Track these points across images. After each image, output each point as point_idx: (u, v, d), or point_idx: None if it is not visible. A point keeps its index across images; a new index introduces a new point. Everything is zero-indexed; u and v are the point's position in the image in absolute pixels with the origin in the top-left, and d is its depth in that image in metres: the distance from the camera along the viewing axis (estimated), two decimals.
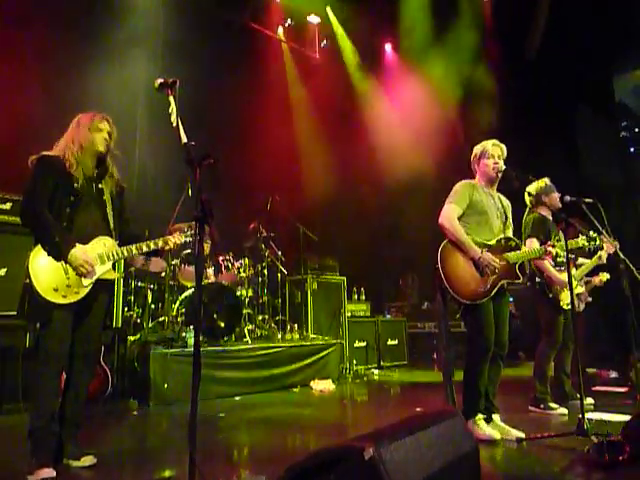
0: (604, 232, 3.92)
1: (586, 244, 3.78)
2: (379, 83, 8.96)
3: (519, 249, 3.36)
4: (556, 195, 4.26)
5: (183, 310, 5.37)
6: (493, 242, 3.31)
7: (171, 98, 2.13)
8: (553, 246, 3.46)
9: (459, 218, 3.31)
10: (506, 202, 3.53)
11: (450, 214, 3.27)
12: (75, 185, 2.75)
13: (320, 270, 7.22)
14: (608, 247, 4.34)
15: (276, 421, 3.94)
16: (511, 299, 6.83)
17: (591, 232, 3.79)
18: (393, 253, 8.76)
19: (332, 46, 9.14)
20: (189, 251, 5.66)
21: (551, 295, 4.18)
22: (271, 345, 5.75)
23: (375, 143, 8.54)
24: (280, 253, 6.76)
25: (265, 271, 6.53)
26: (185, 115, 2.10)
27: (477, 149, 3.50)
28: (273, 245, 6.73)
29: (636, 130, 7.81)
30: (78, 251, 2.68)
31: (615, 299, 5.72)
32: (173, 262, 5.64)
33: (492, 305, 3.23)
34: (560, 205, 4.13)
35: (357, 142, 8.36)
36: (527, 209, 4.38)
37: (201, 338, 5.20)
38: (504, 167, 3.36)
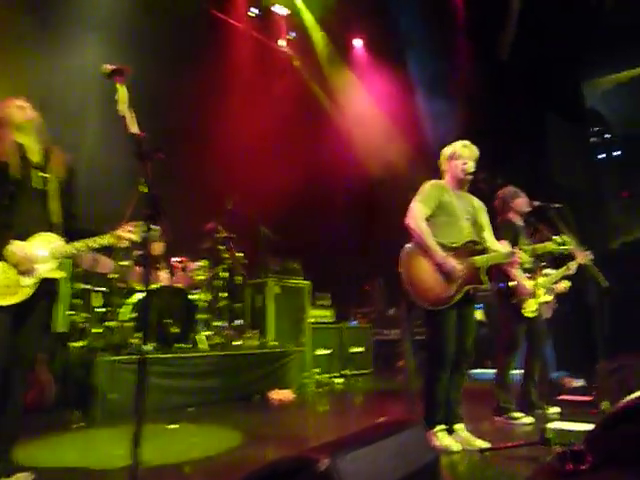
0: (572, 241, 4.01)
1: (556, 248, 3.86)
2: (350, 77, 9.06)
3: (485, 252, 3.40)
4: (522, 200, 4.34)
5: (133, 315, 5.26)
6: (459, 245, 3.36)
7: (120, 86, 2.10)
8: (520, 249, 3.56)
9: (427, 219, 3.34)
10: (478, 204, 3.57)
11: (417, 214, 3.30)
12: (11, 173, 2.63)
13: (283, 273, 7.19)
14: (580, 257, 4.44)
15: (232, 432, 3.91)
16: (480, 306, 6.88)
17: (562, 236, 3.88)
18: (361, 256, 8.64)
19: (301, 38, 9.15)
20: (141, 252, 5.55)
21: (514, 301, 4.25)
22: (228, 352, 5.70)
23: (345, 140, 8.56)
24: (240, 255, 6.69)
25: (224, 274, 6.43)
26: (139, 106, 2.07)
27: (447, 150, 3.55)
28: (233, 246, 6.65)
29: (606, 136, 8.12)
30: (16, 247, 2.58)
31: (581, 307, 6.18)
32: (123, 263, 5.52)
33: (456, 312, 3.26)
34: (527, 209, 4.21)
35: (326, 138, 8.36)
36: (499, 213, 4.48)
37: (153, 345, 5.10)
38: (473, 169, 3.42)
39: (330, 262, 8.43)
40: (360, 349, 7.81)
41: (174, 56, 6.79)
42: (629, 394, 2.16)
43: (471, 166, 3.42)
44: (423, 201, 3.35)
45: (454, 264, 3.23)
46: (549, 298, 4.61)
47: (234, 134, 7.35)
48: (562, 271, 4.55)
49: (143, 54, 5.69)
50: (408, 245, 3.30)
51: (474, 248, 3.37)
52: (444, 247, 3.29)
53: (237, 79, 7.83)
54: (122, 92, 2.08)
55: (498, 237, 4.02)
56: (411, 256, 3.28)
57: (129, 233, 2.73)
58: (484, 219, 3.56)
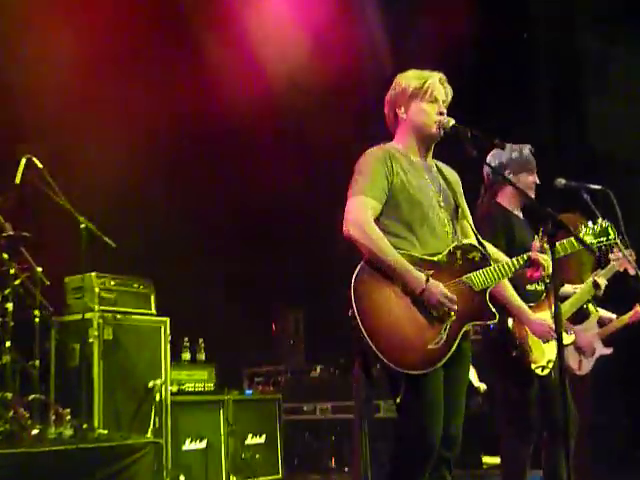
0: (618, 241, 3.97)
1: (594, 242, 3.84)
2: None
3: (488, 263, 3.37)
4: (532, 178, 4.37)
5: None
6: (441, 257, 3.29)
7: None
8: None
9: (377, 219, 3.28)
10: (452, 176, 3.56)
11: (360, 215, 3.23)
12: None
13: (119, 303, 6.39)
14: (622, 263, 4.51)
15: None
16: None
17: (601, 224, 3.88)
18: (260, 275, 8.27)
19: None
20: None
21: (515, 353, 4.13)
22: (19, 451, 4.89)
23: (217, 84, 7.99)
24: (39, 270, 5.85)
25: (9, 305, 5.51)
26: None
27: (404, 82, 3.44)
28: (27, 255, 5.87)
29: None
30: None
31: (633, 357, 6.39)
32: None
33: (443, 375, 3.21)
34: (531, 194, 4.28)
35: (187, 80, 7.79)
36: (481, 195, 4.51)
37: None
38: (453, 121, 3.33)
39: (205, 283, 8.01)
40: (260, 439, 7.18)
41: None
42: None
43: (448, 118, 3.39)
44: (365, 190, 3.27)
45: (440, 289, 3.15)
46: (571, 339, 4.58)
47: (41, 68, 6.87)
48: (589, 286, 4.51)
49: None
50: (361, 268, 3.20)
51: (468, 258, 3.34)
52: (415, 265, 3.21)
53: None
54: None
55: (482, 236, 3.96)
56: (368, 285, 3.18)
57: None
58: (462, 201, 3.57)
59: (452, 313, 3.18)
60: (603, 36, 7.35)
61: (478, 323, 3.35)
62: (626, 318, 5.22)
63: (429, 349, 3.13)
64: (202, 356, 7.17)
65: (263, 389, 7.95)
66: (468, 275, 3.30)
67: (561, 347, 2.94)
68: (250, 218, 8.79)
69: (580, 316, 5.02)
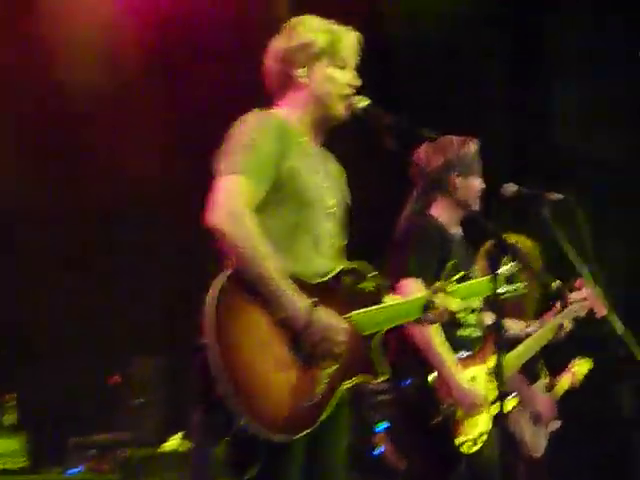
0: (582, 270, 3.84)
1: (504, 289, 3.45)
2: None
3: (383, 292, 3.00)
4: (479, 183, 4.08)
5: None
6: (324, 281, 2.88)
7: None
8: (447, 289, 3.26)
9: (260, 211, 2.87)
10: (340, 172, 3.23)
11: (237, 203, 2.71)
12: None
13: None
14: (585, 306, 4.37)
15: None
16: (384, 426, 5.97)
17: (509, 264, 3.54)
18: (99, 309, 7.14)
19: None
20: None
21: (437, 420, 3.80)
22: None
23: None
24: None
25: None
26: None
27: (307, 34, 3.00)
28: None
29: None
30: None
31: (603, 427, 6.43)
32: None
33: (304, 444, 2.78)
34: (474, 204, 4.01)
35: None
36: (409, 203, 4.17)
37: None
38: (367, 101, 2.97)
39: (13, 313, 7.02)
40: None
41: None
42: None
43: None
44: (251, 166, 2.75)
45: (331, 323, 2.70)
46: (513, 403, 4.32)
47: None
48: (548, 330, 4.40)
49: None
50: (226, 278, 2.64)
51: (358, 288, 2.94)
52: (297, 284, 2.74)
53: None
54: None
55: (399, 263, 3.82)
56: (232, 304, 2.64)
57: None
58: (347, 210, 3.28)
59: (337, 360, 2.79)
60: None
61: (363, 380, 2.89)
62: (565, 382, 4.86)
63: (300, 407, 2.71)
64: (11, 419, 6.23)
65: (96, 466, 6.59)
66: (357, 312, 2.87)
67: (501, 415, 2.68)
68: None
69: (528, 371, 4.61)
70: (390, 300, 3.03)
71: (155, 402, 7.08)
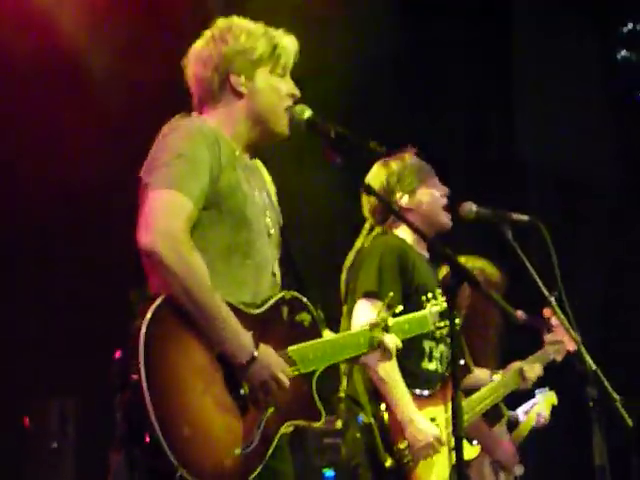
0: (553, 299, 3.47)
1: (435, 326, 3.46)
2: None
3: (319, 332, 2.90)
4: (442, 200, 4.00)
5: None
6: (261, 311, 2.76)
7: None
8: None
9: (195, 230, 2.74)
10: (271, 186, 3.13)
11: (175, 224, 2.56)
12: None
13: None
14: (563, 349, 4.28)
15: None
16: (331, 475, 5.57)
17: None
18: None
19: None
20: None
21: (390, 463, 3.62)
22: None
23: None
24: None
25: None
26: None
27: (245, 39, 2.86)
28: None
29: None
30: None
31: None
32: None
33: None
34: (447, 222, 3.97)
35: None
36: (366, 225, 4.03)
37: None
38: (309, 112, 2.84)
39: None
40: None
41: None
42: None
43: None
44: (185, 179, 2.62)
45: (275, 362, 2.62)
46: (475, 451, 4.29)
47: None
48: (514, 373, 4.25)
49: None
50: (160, 304, 2.47)
51: (295, 320, 2.86)
52: (236, 315, 2.61)
53: None
54: None
55: (368, 283, 3.76)
56: (164, 341, 2.49)
57: None
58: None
59: (278, 401, 2.73)
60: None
61: (300, 423, 2.79)
62: (528, 423, 4.71)
63: (236, 455, 2.59)
64: None
65: None
66: (294, 347, 2.77)
67: (460, 461, 2.54)
68: None
69: (491, 415, 4.34)
70: (329, 335, 2.88)
71: (72, 450, 6.54)
